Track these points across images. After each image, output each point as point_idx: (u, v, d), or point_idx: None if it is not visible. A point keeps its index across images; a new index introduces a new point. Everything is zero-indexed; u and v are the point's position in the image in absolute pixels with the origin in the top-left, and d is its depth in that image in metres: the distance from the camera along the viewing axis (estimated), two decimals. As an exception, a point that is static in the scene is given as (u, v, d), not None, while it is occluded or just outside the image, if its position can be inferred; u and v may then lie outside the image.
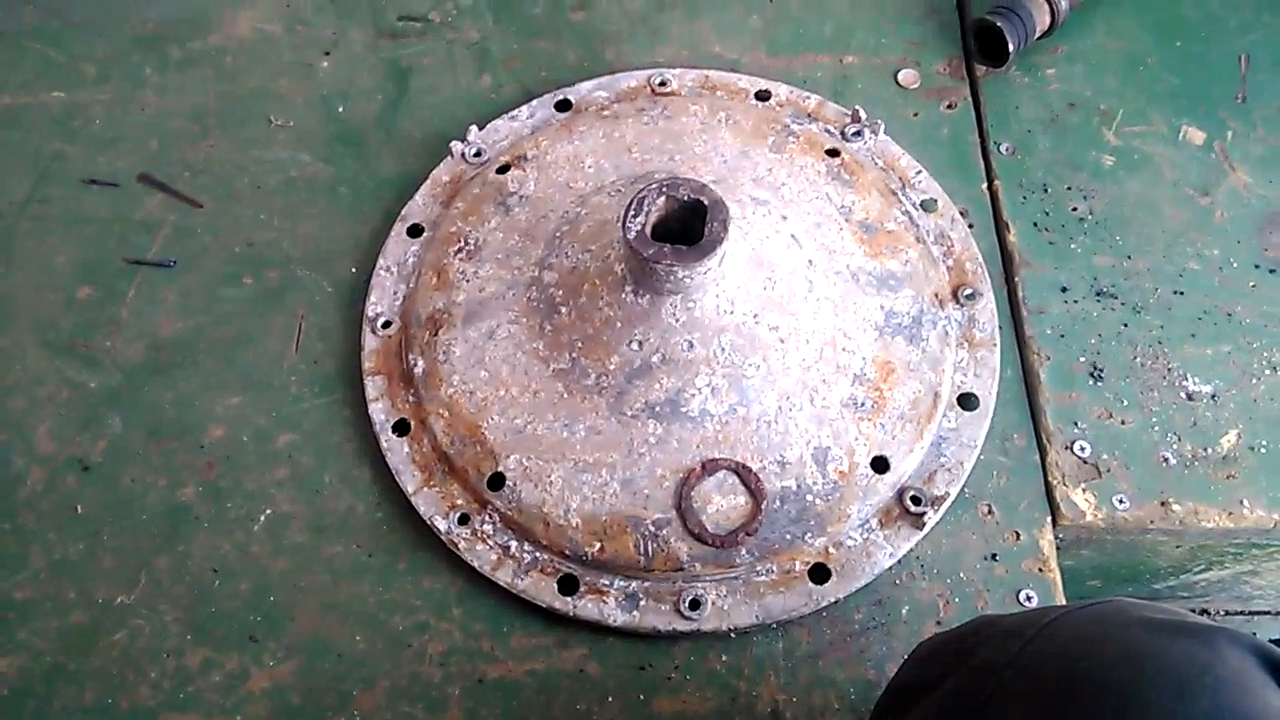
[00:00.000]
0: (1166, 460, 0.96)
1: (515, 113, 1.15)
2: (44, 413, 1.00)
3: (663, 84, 1.14)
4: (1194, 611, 1.34)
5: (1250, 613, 1.34)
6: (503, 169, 1.08)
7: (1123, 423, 0.97)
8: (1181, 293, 1.03)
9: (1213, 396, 0.98)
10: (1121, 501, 0.94)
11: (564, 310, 0.94)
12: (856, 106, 1.11)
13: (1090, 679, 0.55)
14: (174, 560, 0.93)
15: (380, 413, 0.98)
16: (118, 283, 1.07)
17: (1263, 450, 0.96)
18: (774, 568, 0.90)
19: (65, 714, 0.87)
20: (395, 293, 1.04)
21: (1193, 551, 1.02)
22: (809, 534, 0.90)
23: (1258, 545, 1.00)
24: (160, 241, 1.09)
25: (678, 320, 0.90)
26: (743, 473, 0.91)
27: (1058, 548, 0.96)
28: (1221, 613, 1.34)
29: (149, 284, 1.07)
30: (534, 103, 1.15)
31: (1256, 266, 1.05)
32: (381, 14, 1.25)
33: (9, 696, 0.88)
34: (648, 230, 0.87)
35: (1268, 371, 0.99)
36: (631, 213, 0.87)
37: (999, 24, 1.10)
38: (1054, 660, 0.58)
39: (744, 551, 0.89)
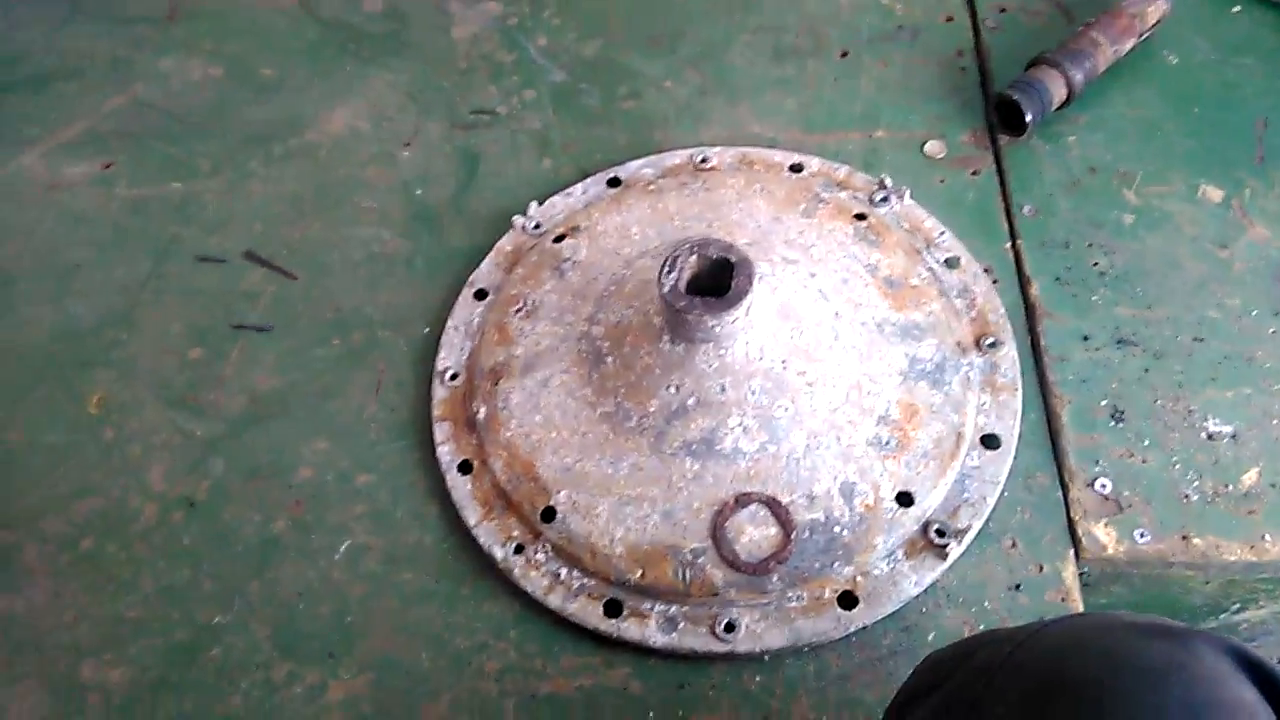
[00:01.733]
0: (1188, 497, 0.99)
1: (571, 190, 1.27)
2: (158, 457, 1.13)
3: (704, 160, 1.26)
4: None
5: (1303, 662, 1.33)
6: (558, 239, 1.19)
7: (1144, 461, 1.02)
8: (1202, 339, 1.08)
9: (1233, 436, 1.02)
10: (1143, 535, 0.98)
11: (609, 360, 1.04)
12: (883, 175, 1.20)
13: (1071, 675, 0.59)
14: (265, 585, 1.04)
15: (447, 454, 1.08)
16: (223, 345, 1.21)
17: (1284, 487, 0.99)
18: (804, 594, 0.96)
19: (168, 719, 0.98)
20: (462, 349, 1.15)
21: (1223, 588, 1.04)
22: (837, 563, 0.96)
23: (1286, 581, 1.02)
24: (261, 309, 1.23)
25: (711, 366, 0.99)
26: (773, 505, 0.98)
27: (1086, 584, 1.00)
28: (1275, 659, 1.33)
29: (250, 346, 1.20)
30: (587, 180, 1.27)
31: (1276, 314, 1.09)
32: (456, 109, 1.39)
33: (120, 704, 0.99)
34: (681, 285, 0.97)
35: (1288, 412, 1.03)
36: (666, 269, 0.97)
37: (1017, 97, 1.19)
38: (1041, 660, 0.63)
39: (775, 579, 0.96)
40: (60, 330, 1.24)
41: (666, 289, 0.96)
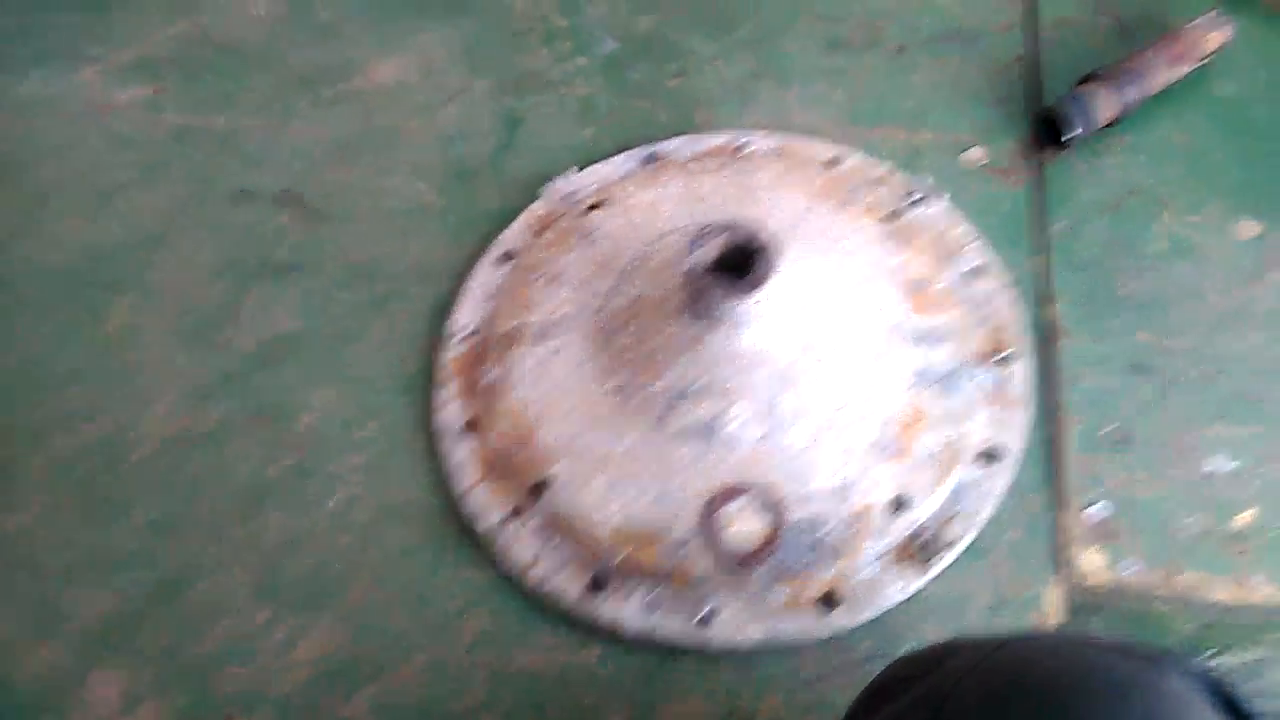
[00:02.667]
0: (1179, 532, 0.99)
1: (608, 161, 1.27)
2: (167, 388, 1.15)
3: (743, 145, 1.25)
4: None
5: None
6: (590, 209, 1.20)
7: (1141, 492, 1.01)
8: (1217, 374, 1.07)
9: (1235, 475, 1.01)
10: (1129, 565, 0.97)
11: (623, 334, 1.05)
12: (921, 176, 1.19)
13: (1038, 682, 0.59)
14: (254, 528, 1.05)
15: (451, 414, 1.10)
16: (248, 281, 1.23)
17: (1278, 531, 0.98)
18: (786, 591, 0.97)
19: (137, 656, 0.99)
20: (481, 310, 1.16)
21: (1202, 630, 1.03)
22: (823, 563, 0.97)
23: (1270, 627, 1.01)
24: (289, 249, 1.25)
25: (724, 350, 1.00)
26: (766, 498, 0.98)
27: (1067, 610, 1.00)
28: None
29: (273, 285, 1.22)
30: (626, 154, 1.28)
31: (1296, 356, 1.08)
32: (506, 70, 1.40)
33: (96, 633, 1.00)
34: (705, 263, 0.97)
35: (1294, 457, 1.02)
36: (692, 246, 0.97)
37: (1064, 112, 1.17)
38: (1010, 667, 0.63)
39: (760, 573, 0.96)
40: (90, 250, 1.27)
41: (690, 265, 0.97)
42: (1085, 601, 0.99)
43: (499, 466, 1.05)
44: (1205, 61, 1.24)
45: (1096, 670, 0.59)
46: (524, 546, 1.01)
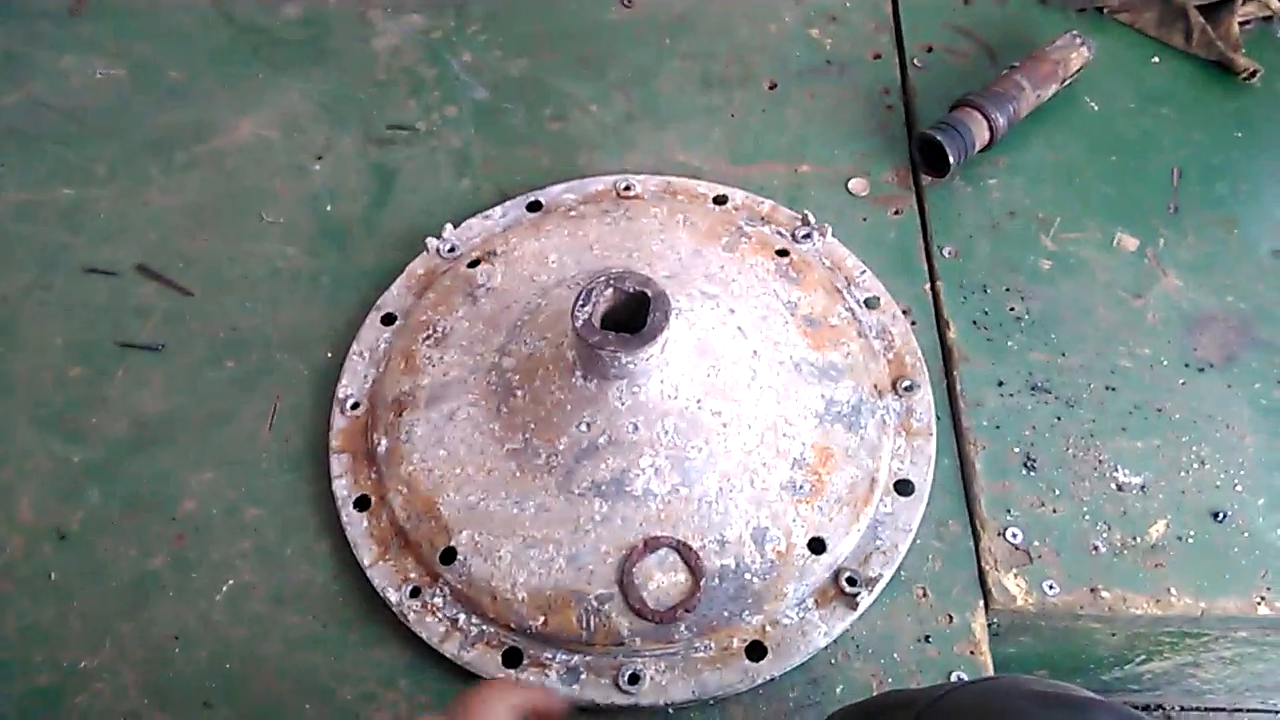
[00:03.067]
0: (1096, 548, 0.99)
1: (489, 212, 1.23)
2: (28, 484, 1.06)
3: (627, 188, 1.22)
4: (1145, 707, 1.35)
5: (1205, 709, 1.35)
6: (473, 263, 1.15)
7: (1054, 511, 1.01)
8: (1114, 389, 1.08)
9: (1142, 488, 1.02)
10: (1052, 587, 0.97)
11: (519, 393, 1.00)
12: (806, 211, 1.18)
13: None
14: (139, 627, 0.97)
15: (343, 488, 1.03)
16: (108, 364, 1.13)
17: (1190, 540, 0.99)
18: (712, 644, 0.93)
19: (23, 773, 0.90)
20: (366, 376, 1.10)
21: (1129, 640, 1.04)
22: (746, 611, 0.94)
23: (1190, 635, 1.03)
24: (151, 326, 1.16)
25: (624, 404, 0.96)
26: (683, 550, 0.95)
27: (995, 635, 0.99)
28: (1177, 708, 1.35)
29: (137, 366, 1.13)
30: (507, 204, 1.23)
31: (1186, 365, 1.10)
32: (372, 124, 1.34)
33: (-29, 754, 0.91)
34: (595, 319, 0.93)
35: (1196, 465, 1.04)
36: (580, 302, 0.93)
37: (940, 138, 1.18)
38: None
39: (683, 628, 0.93)
40: (-70, 341, 1.16)
41: (580, 323, 0.92)
42: (1013, 624, 0.99)
43: (400, 540, 0.99)
44: (1071, 81, 1.28)
45: None
46: (435, 621, 0.95)
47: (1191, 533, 1.00)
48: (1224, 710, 1.34)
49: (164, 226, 1.25)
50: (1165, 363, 1.10)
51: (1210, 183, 1.23)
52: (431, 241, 1.18)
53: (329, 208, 1.27)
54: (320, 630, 0.97)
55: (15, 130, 1.35)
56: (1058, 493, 1.02)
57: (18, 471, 1.06)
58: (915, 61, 1.35)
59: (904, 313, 1.13)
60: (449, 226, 1.19)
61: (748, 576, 0.94)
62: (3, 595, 0.99)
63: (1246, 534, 0.99)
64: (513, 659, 0.93)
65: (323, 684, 0.94)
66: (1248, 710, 1.36)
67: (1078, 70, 1.27)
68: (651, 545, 0.95)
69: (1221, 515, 1.00)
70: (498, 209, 1.23)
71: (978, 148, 1.21)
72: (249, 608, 0.98)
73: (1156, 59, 1.35)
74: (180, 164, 1.31)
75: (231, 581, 0.99)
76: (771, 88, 1.36)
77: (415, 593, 0.96)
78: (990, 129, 1.20)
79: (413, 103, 1.37)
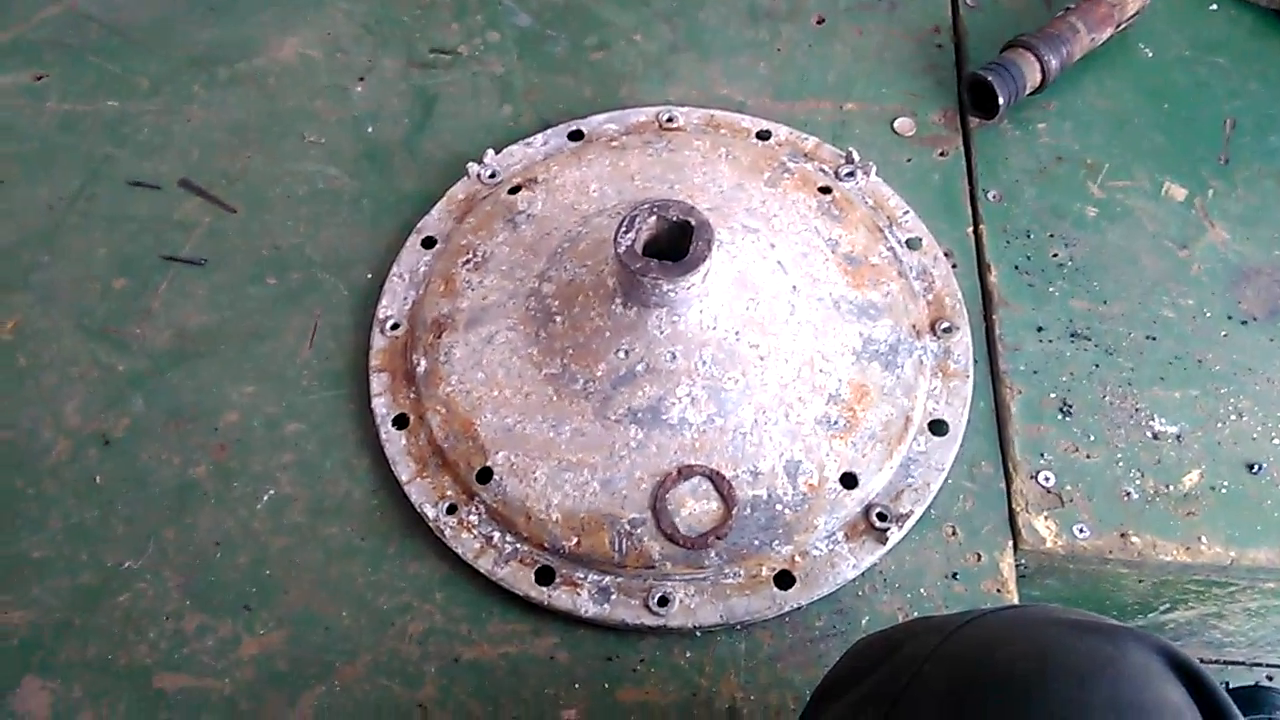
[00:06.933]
0: (1129, 494, 0.99)
1: (531, 140, 1.22)
2: (74, 390, 1.07)
3: (670, 120, 1.21)
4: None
5: (1224, 662, 1.36)
6: (514, 190, 1.15)
7: (1088, 457, 1.01)
8: (1154, 338, 1.08)
9: (1178, 437, 1.02)
10: (1082, 530, 0.97)
11: (558, 319, 1.01)
12: (850, 148, 1.17)
13: (998, 670, 0.58)
14: (181, 531, 0.99)
15: (382, 407, 1.04)
16: (152, 276, 1.15)
17: (1224, 490, 0.99)
18: (741, 572, 0.95)
19: (68, 667, 0.93)
20: (405, 298, 1.11)
21: (1155, 587, 1.05)
22: (776, 541, 0.95)
23: (1218, 584, 1.03)
24: (194, 241, 1.17)
25: (663, 332, 0.96)
26: (716, 479, 0.95)
27: (1022, 576, 1.00)
28: (1200, 660, 1.35)
29: (180, 279, 1.14)
30: (548, 131, 1.23)
31: (1229, 318, 1.09)
32: (415, 46, 1.33)
33: (18, 647, 0.94)
34: (638, 246, 0.93)
35: (1233, 417, 1.03)
36: (623, 229, 0.93)
37: (990, 79, 1.16)
38: (968, 653, 0.61)
39: (713, 554, 0.94)
40: (-24, 249, 1.17)
41: (623, 249, 0.93)
42: (1040, 565, 0.99)
43: (438, 459, 1.00)
44: (1126, 26, 1.25)
45: (1055, 652, 0.57)
46: (471, 537, 0.97)
47: (1225, 483, 0.99)
48: (1243, 664, 1.35)
49: (206, 143, 1.25)
50: (1208, 314, 1.09)
51: (1263, 135, 1.21)
52: (473, 167, 1.18)
53: (370, 130, 1.26)
54: (358, 542, 0.99)
55: (58, 42, 1.36)
56: (1092, 439, 1.02)
57: (63, 377, 1.08)
58: (968, 1, 1.33)
59: (945, 255, 1.12)
60: (490, 152, 1.19)
61: (779, 508, 0.95)
62: (49, 496, 1.01)
63: (1280, 486, 0.99)
64: (545, 577, 0.95)
65: (359, 593, 0.96)
66: (1267, 665, 1.37)
67: (1134, 15, 1.24)
68: (685, 473, 0.95)
69: (1257, 467, 1.00)
70: (539, 137, 1.23)
71: (1028, 90, 1.19)
72: (289, 518, 1.00)
73: (1215, 6, 1.32)
74: (223, 80, 1.31)
75: (272, 492, 1.01)
76: (819, 22, 1.34)
77: (451, 509, 0.98)
78: (1042, 71, 1.18)
79: (455, 26, 1.36)
